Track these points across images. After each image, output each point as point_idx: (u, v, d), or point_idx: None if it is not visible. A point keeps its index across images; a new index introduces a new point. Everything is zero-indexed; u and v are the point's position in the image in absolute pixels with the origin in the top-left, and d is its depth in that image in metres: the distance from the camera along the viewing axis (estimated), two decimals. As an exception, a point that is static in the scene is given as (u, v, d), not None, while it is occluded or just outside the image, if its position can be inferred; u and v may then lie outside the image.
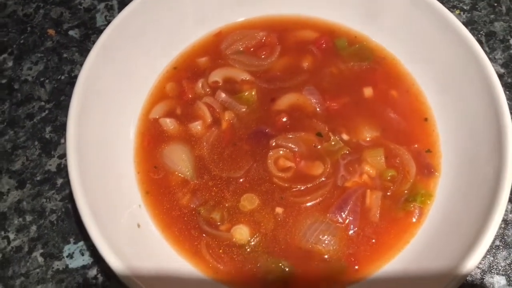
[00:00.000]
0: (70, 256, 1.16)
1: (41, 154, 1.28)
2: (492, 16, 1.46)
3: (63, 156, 1.27)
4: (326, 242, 1.05)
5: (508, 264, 1.14)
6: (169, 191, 1.12)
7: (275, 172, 1.12)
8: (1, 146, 1.28)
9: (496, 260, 1.15)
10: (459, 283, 0.91)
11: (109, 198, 1.05)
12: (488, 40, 1.42)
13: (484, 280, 1.13)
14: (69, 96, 1.28)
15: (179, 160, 1.14)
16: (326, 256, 1.05)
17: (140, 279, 0.92)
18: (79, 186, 0.97)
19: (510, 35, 1.42)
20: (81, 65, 1.09)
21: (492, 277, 1.13)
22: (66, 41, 1.44)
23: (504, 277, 1.13)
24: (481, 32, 1.44)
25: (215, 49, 1.29)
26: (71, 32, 1.45)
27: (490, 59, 1.09)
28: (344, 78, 1.24)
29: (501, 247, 1.16)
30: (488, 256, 1.15)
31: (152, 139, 1.18)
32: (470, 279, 1.13)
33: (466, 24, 1.14)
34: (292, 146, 1.14)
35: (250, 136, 1.16)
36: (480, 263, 1.14)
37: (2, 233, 1.18)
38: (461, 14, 1.46)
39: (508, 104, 1.05)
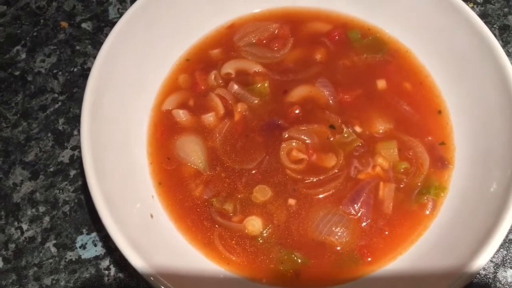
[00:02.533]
0: (83, 247, 1.16)
1: (54, 145, 1.28)
2: (506, 9, 1.44)
3: (76, 147, 1.27)
4: (339, 234, 1.05)
5: (521, 258, 1.14)
6: (181, 182, 1.12)
7: (287, 164, 1.12)
8: (15, 138, 1.29)
9: (509, 254, 1.14)
10: (472, 276, 0.90)
11: (122, 189, 1.05)
12: (501, 34, 1.41)
13: (497, 274, 1.12)
14: (82, 88, 1.30)
15: (192, 152, 1.14)
16: (338, 248, 1.05)
17: (154, 269, 0.92)
18: (93, 177, 0.97)
19: (524, 29, 1.41)
20: (94, 57, 1.09)
21: (506, 271, 1.12)
22: (78, 33, 1.44)
23: (517, 271, 1.12)
24: (494, 26, 1.42)
25: (227, 41, 1.29)
26: (83, 25, 1.46)
27: (503, 52, 1.09)
28: (357, 70, 1.24)
29: (514, 241, 1.16)
30: (502, 250, 1.15)
31: (165, 131, 1.18)
32: (483, 272, 1.12)
33: (479, 17, 1.12)
34: (305, 138, 1.14)
35: (263, 128, 1.16)
36: (493, 256, 1.14)
37: (16, 223, 1.19)
38: (474, 7, 1.45)
39: (523, 96, 1.04)
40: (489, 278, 1.12)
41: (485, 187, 1.03)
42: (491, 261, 1.13)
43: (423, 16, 1.22)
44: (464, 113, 1.16)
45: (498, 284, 1.11)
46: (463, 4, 1.14)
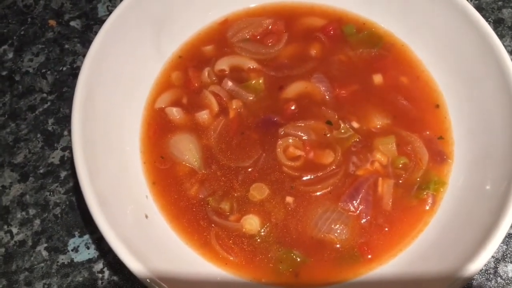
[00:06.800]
0: (75, 250, 1.13)
1: (44, 146, 1.25)
2: (500, 2, 1.44)
3: (66, 148, 1.24)
4: (338, 231, 1.03)
5: (522, 252, 1.12)
6: (176, 182, 1.10)
7: (284, 161, 1.10)
8: (3, 139, 1.26)
9: (510, 249, 1.13)
10: (475, 272, 0.89)
11: (116, 189, 1.02)
12: (496, 27, 1.40)
13: (498, 269, 1.11)
14: (71, 87, 1.27)
15: (186, 150, 1.12)
16: (338, 246, 1.03)
17: (149, 272, 0.90)
18: (85, 178, 0.94)
19: (518, 22, 1.40)
20: (83, 56, 1.07)
21: (506, 266, 1.11)
22: (67, 32, 1.41)
23: (518, 266, 1.11)
24: (489, 19, 1.41)
25: (221, 37, 1.26)
26: (72, 23, 1.43)
27: (499, 46, 1.08)
28: (353, 65, 1.22)
29: (514, 235, 1.14)
30: (502, 244, 1.13)
31: (158, 129, 1.15)
32: (483, 268, 1.11)
33: (473, 11, 1.12)
34: (302, 134, 1.12)
35: (258, 125, 1.14)
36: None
37: (5, 227, 1.16)
38: (468, 1, 1.44)
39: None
40: (490, 273, 1.10)
41: (486, 181, 1.02)
42: (491, 256, 1.11)
43: (418, 10, 1.21)
44: (462, 107, 1.15)
45: (499, 279, 1.10)
46: (458, -4, 1.13)
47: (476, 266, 0.89)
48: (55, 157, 1.24)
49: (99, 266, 1.12)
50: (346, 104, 1.16)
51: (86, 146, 0.98)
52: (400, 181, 1.09)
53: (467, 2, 1.12)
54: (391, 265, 1.02)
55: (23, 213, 1.17)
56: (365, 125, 1.14)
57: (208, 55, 1.24)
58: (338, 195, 1.07)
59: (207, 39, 1.26)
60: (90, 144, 0.99)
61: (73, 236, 1.15)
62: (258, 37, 1.26)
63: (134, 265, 0.89)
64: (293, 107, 1.15)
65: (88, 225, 1.15)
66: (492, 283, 1.10)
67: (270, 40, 1.24)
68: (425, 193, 1.08)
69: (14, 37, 1.40)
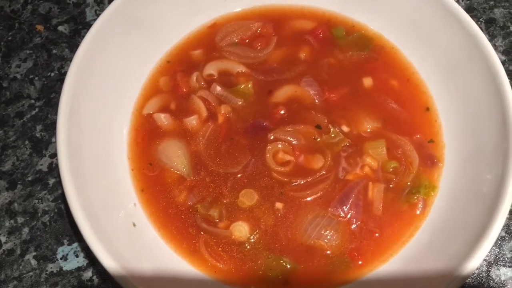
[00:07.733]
0: (64, 258, 1.13)
1: (32, 153, 1.24)
2: (491, 2, 1.43)
3: (55, 155, 1.23)
4: (328, 237, 1.02)
5: (514, 255, 1.12)
6: (165, 189, 1.09)
7: (274, 166, 1.09)
8: (-10, 146, 1.25)
9: (502, 252, 1.12)
10: (466, 277, 0.88)
11: (103, 197, 1.01)
12: (488, 27, 1.39)
13: (490, 272, 1.10)
14: (59, 93, 1.24)
15: (175, 156, 1.11)
16: (328, 252, 1.02)
17: (137, 281, 0.89)
18: (71, 186, 0.94)
19: (510, 22, 1.39)
20: (72, 61, 1.05)
21: (499, 269, 1.11)
22: (55, 37, 1.40)
23: (510, 269, 1.10)
24: (480, 19, 1.40)
25: (209, 41, 1.25)
26: (60, 28, 1.41)
27: (490, 46, 1.07)
28: (343, 68, 1.21)
29: (506, 238, 1.14)
30: (494, 248, 1.13)
31: (146, 135, 1.15)
32: (476, 271, 1.10)
33: (465, 11, 1.11)
34: (291, 139, 1.11)
35: (248, 130, 1.13)
36: (486, 255, 1.11)
37: (-7, 236, 1.15)
38: (460, 1, 1.43)
39: (511, 91, 1.02)
40: (483, 277, 1.10)
41: (476, 184, 1.02)
42: (484, 259, 1.11)
43: (408, 12, 1.20)
44: (452, 110, 1.14)
45: (491, 283, 1.09)
46: (448, -2, 1.12)
47: (468, 269, 0.88)
48: (43, 164, 1.22)
49: (88, 274, 1.11)
50: (336, 108, 1.15)
51: (72, 153, 0.97)
52: (391, 186, 1.08)
53: (456, 3, 1.11)
54: (382, 271, 1.02)
55: (12, 221, 1.16)
56: (355, 129, 1.13)
57: (196, 60, 1.23)
58: (328, 201, 1.06)
59: (195, 43, 1.25)
60: (76, 152, 0.99)
61: (62, 244, 1.14)
62: (247, 40, 1.25)
63: (120, 274, 0.89)
64: (282, 112, 1.15)
65: (77, 233, 1.14)
66: (485, 287, 1.09)
67: (259, 44, 1.23)
68: (415, 197, 1.07)
69: (2, 43, 1.39)
